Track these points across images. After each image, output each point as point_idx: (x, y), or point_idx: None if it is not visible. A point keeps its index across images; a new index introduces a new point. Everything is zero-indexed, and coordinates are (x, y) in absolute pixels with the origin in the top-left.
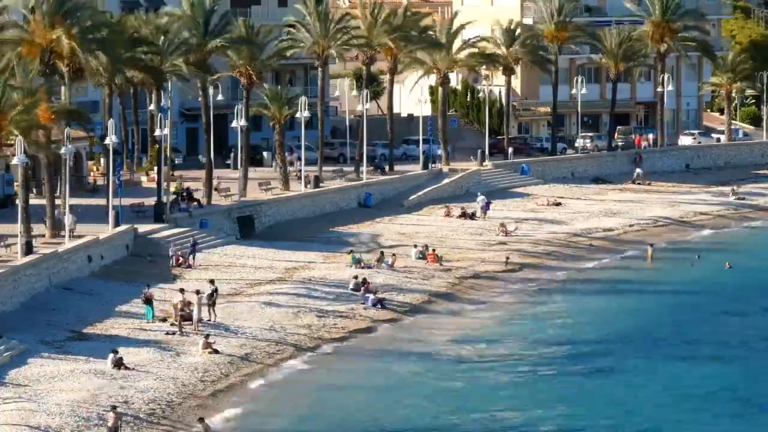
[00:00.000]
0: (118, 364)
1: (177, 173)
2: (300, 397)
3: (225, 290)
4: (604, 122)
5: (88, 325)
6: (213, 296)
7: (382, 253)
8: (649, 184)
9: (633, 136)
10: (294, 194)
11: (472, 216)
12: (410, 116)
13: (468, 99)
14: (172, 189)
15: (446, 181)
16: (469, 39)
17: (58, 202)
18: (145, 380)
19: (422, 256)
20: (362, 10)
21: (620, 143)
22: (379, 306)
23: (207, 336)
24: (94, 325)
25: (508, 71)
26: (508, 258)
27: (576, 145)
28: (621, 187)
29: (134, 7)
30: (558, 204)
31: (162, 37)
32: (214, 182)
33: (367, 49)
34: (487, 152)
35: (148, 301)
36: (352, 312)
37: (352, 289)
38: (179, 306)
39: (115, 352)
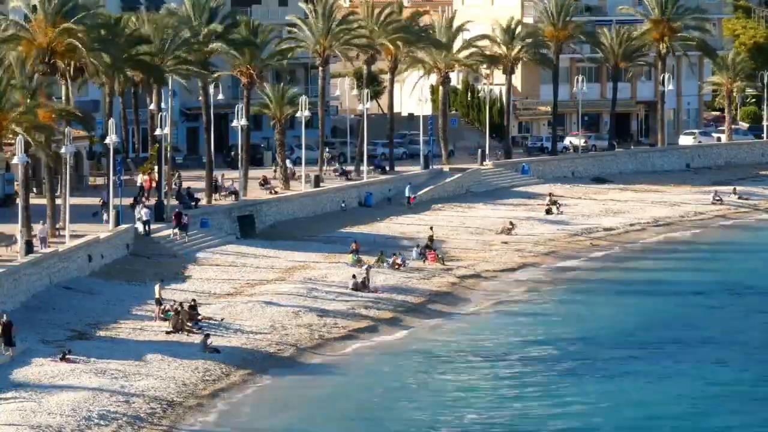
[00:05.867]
0: None
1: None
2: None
3: (225, 290)
4: (605, 121)
5: (89, 324)
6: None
7: (381, 252)
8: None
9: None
10: (294, 194)
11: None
12: (411, 115)
13: (469, 98)
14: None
15: (447, 180)
16: (470, 38)
17: (58, 201)
18: (146, 380)
19: (422, 255)
20: (363, 10)
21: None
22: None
23: (207, 335)
24: (95, 324)
25: (509, 70)
26: (513, 225)
27: (566, 143)
28: (621, 186)
29: (134, 6)
30: (557, 204)
31: (163, 37)
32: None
33: (368, 49)
34: (487, 151)
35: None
36: (352, 311)
37: (351, 289)
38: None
39: None
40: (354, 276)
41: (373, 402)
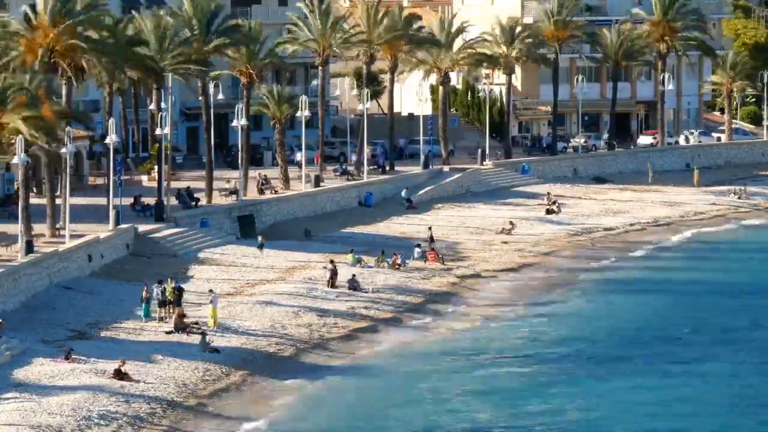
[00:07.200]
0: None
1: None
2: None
3: (225, 289)
4: (605, 121)
5: (89, 324)
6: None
7: (382, 252)
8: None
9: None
10: (294, 194)
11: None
12: (411, 115)
13: (469, 98)
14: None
15: (447, 180)
16: (470, 39)
17: (58, 201)
18: (145, 380)
19: (423, 255)
20: (362, 9)
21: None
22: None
23: (205, 335)
24: (95, 324)
25: (509, 70)
26: (512, 224)
27: (572, 142)
28: (621, 186)
29: (134, 6)
30: (556, 203)
31: (162, 36)
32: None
33: (368, 48)
34: (487, 151)
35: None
36: (352, 311)
37: (348, 288)
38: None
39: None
40: (353, 275)
41: (372, 402)
